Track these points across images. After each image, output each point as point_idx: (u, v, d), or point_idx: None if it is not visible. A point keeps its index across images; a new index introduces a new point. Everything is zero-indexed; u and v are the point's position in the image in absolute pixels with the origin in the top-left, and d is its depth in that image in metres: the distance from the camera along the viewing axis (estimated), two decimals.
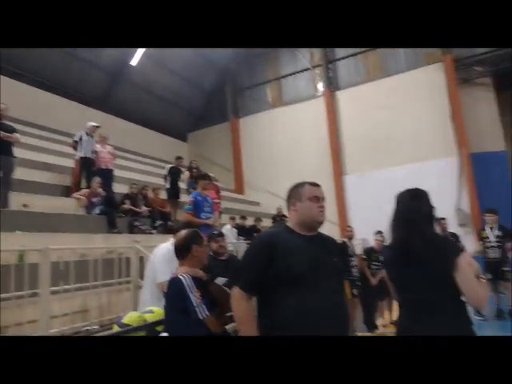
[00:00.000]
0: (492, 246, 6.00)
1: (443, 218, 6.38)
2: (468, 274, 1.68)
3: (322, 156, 14.53)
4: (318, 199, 1.94)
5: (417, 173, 12.44)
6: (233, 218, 8.78)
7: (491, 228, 6.05)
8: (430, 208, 1.89)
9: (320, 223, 1.92)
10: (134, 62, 14.15)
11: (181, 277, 2.28)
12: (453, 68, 12.71)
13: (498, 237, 5.96)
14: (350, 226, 5.99)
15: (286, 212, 8.43)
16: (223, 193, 12.01)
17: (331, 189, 14.27)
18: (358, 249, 6.64)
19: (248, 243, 1.89)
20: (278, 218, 10.17)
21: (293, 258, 1.74)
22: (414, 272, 1.78)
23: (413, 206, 1.87)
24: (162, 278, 2.76)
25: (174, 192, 8.18)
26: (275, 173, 15.33)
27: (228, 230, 7.97)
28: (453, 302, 1.73)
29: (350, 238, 5.70)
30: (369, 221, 10.40)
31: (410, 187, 1.98)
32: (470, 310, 1.88)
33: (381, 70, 14.20)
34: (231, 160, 16.66)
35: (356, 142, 14.08)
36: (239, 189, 16.31)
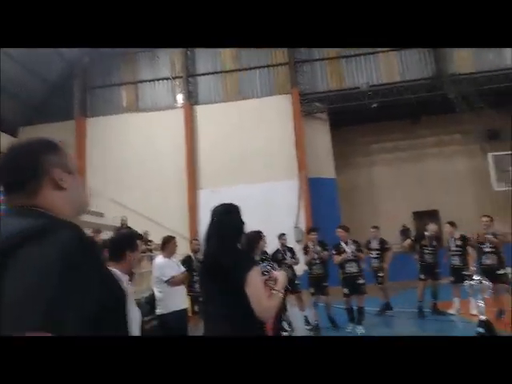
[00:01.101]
0: (349, 261, 6.17)
1: (283, 234, 6.74)
2: (256, 288, 1.80)
3: (177, 168, 14.24)
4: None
5: (266, 192, 13.33)
6: None
7: (347, 243, 6.28)
8: (239, 223, 1.96)
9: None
10: None
11: None
12: (298, 101, 14.23)
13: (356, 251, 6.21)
14: (196, 239, 5.74)
15: (128, 222, 7.52)
16: None
17: (185, 203, 14.08)
18: None
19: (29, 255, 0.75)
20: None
21: (106, 273, 0.97)
22: (214, 286, 1.88)
23: (222, 221, 1.94)
24: None
25: None
26: (125, 182, 14.29)
27: None
28: (246, 312, 1.81)
29: (196, 251, 5.44)
30: None
31: (224, 202, 2.03)
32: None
33: (238, 93, 14.89)
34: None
35: (212, 158, 14.29)
36: None
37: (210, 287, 1.94)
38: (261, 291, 1.82)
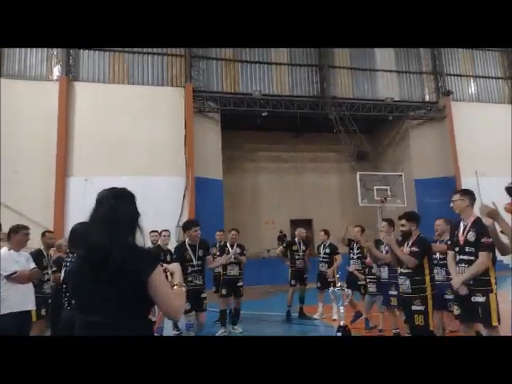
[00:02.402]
0: (232, 263, 6.13)
1: (167, 230, 6.31)
2: (164, 289, 1.58)
3: (45, 151, 12.37)
4: None
5: (147, 186, 12.49)
6: None
7: (232, 246, 6.31)
8: (137, 214, 1.66)
9: None
10: None
11: None
12: (191, 97, 13.83)
13: (237, 253, 6.18)
14: (50, 232, 4.86)
15: None
16: None
17: (51, 190, 12.33)
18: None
19: None
20: None
21: None
22: (102, 288, 1.51)
23: (118, 209, 1.60)
24: None
25: None
26: None
27: None
28: (139, 320, 1.57)
29: (50, 246, 4.54)
30: None
31: (115, 186, 1.69)
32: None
33: (126, 76, 13.78)
34: None
35: (88, 143, 12.82)
36: None
37: (94, 290, 1.53)
38: (169, 291, 1.62)
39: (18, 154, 12.09)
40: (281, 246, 7.57)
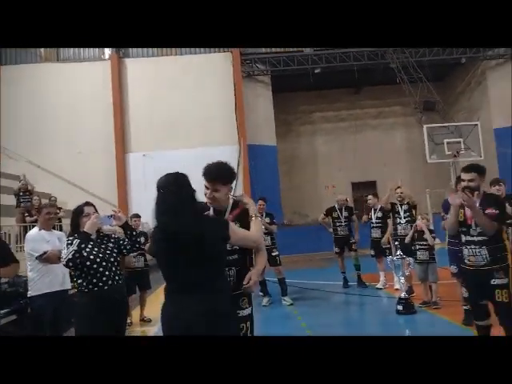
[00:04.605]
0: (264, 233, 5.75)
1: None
2: (239, 233, 2.00)
3: (104, 128, 12.87)
4: None
5: (202, 158, 12.38)
6: None
7: (262, 215, 5.87)
8: (193, 192, 1.96)
9: None
10: None
11: None
12: (239, 61, 13.29)
13: (267, 223, 5.94)
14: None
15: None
16: None
17: (112, 166, 12.90)
18: None
19: None
20: (22, 192, 8.24)
21: None
22: (184, 257, 1.86)
23: (178, 192, 1.90)
24: None
25: None
26: (43, 142, 12.71)
27: None
28: (221, 279, 1.96)
29: None
30: (151, 203, 9.72)
31: (170, 172, 1.98)
32: None
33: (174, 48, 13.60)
34: None
35: (143, 119, 13.08)
36: None
37: (180, 259, 1.87)
38: (242, 232, 2.05)
39: (79, 134, 12.71)
40: (322, 214, 7.10)
